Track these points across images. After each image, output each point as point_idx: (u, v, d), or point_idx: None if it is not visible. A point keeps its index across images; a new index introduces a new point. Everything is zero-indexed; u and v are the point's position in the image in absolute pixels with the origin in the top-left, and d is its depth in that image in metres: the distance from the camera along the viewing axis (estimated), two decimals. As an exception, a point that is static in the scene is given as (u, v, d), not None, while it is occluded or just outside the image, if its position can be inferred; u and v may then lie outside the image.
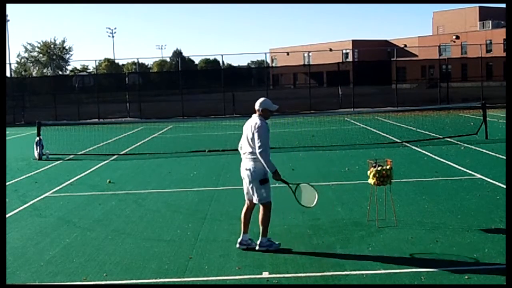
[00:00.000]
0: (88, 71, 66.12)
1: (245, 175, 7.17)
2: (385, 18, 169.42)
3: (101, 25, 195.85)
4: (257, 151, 6.91)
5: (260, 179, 7.02)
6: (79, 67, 71.41)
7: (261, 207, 7.16)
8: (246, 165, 7.12)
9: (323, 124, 24.71)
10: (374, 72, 46.83)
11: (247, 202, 7.34)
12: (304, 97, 36.80)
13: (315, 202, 7.30)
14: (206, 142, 19.88)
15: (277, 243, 7.26)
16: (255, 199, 7.15)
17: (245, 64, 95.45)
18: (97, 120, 32.39)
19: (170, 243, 7.75)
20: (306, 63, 70.34)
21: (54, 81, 42.59)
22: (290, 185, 7.29)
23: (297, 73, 69.75)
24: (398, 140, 18.29)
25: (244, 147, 7.20)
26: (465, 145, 16.55)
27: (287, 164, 13.55)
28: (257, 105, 7.18)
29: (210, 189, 11.41)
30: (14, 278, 6.62)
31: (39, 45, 76.81)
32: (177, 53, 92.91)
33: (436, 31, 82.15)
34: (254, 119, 7.15)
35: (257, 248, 7.18)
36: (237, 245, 7.28)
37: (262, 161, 6.93)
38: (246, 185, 7.22)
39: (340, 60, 48.75)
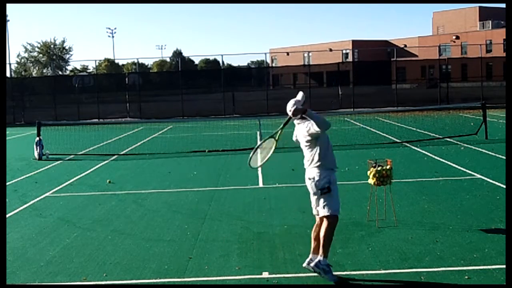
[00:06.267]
0: (88, 71, 66.12)
1: (308, 185, 6.34)
2: (385, 18, 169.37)
3: (101, 25, 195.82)
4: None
5: (322, 188, 6.15)
6: (79, 67, 71.47)
7: (324, 221, 6.22)
8: (309, 174, 6.33)
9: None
10: (374, 72, 46.71)
11: (316, 218, 6.44)
12: (304, 97, 36.72)
13: (259, 163, 6.68)
14: (206, 142, 19.88)
15: (335, 276, 6.16)
16: (320, 212, 6.25)
17: (245, 64, 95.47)
18: (97, 120, 32.41)
19: (170, 243, 7.75)
20: (306, 63, 70.28)
21: (54, 81, 42.45)
22: (279, 130, 6.67)
23: (297, 73, 69.59)
24: (398, 140, 18.30)
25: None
26: (465, 145, 16.55)
27: (287, 164, 13.53)
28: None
29: (210, 189, 11.40)
30: (14, 278, 6.62)
31: (39, 45, 76.91)
32: (177, 53, 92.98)
33: (436, 31, 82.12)
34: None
35: (312, 265, 6.18)
36: (305, 265, 6.35)
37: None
38: (311, 197, 6.37)
39: (340, 60, 48.74)
